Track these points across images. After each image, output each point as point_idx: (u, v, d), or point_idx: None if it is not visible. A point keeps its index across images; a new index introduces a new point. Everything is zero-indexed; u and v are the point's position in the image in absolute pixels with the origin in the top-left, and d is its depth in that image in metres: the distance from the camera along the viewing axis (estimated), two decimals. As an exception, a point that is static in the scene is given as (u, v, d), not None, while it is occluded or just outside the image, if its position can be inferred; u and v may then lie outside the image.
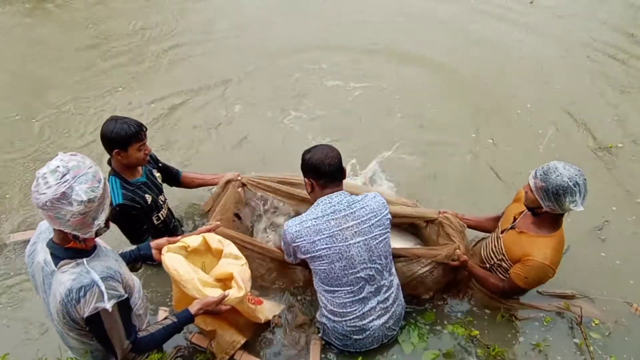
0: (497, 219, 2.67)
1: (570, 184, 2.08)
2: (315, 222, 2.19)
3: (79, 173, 1.53)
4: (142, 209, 2.51)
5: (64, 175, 1.51)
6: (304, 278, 2.70)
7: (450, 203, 3.19)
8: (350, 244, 2.17)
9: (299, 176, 2.63)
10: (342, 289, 2.23)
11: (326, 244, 2.17)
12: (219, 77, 4.70)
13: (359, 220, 2.20)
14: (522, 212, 2.43)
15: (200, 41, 5.28)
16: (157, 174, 2.74)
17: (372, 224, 2.21)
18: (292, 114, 4.25)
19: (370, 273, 2.22)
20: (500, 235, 2.50)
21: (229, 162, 3.67)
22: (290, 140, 3.96)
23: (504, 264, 2.45)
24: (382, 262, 2.25)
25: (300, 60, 4.94)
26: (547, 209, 2.18)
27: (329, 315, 2.31)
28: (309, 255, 2.21)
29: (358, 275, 2.20)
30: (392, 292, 2.32)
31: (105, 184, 1.63)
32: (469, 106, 4.38)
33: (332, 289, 2.25)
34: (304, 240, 2.18)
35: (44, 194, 1.49)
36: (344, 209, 2.19)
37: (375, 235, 2.22)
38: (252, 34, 5.40)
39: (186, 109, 4.32)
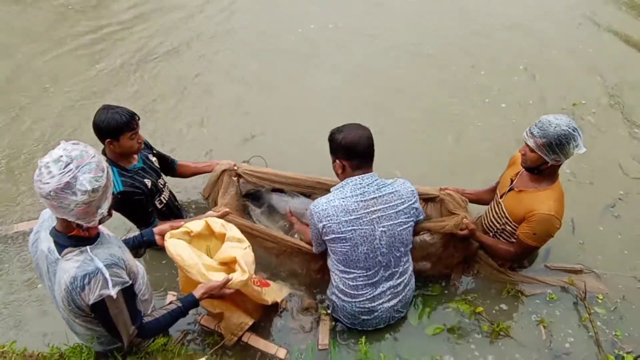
0: (494, 190, 2.69)
1: (570, 130, 2.12)
2: (343, 201, 2.13)
3: (83, 162, 1.51)
4: (144, 194, 2.51)
5: (67, 165, 1.49)
6: (305, 270, 2.67)
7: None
8: (375, 227, 2.15)
9: (294, 173, 2.75)
10: (358, 271, 2.23)
11: (352, 226, 2.13)
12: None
13: (386, 205, 2.15)
14: (518, 172, 2.43)
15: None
16: (154, 159, 2.73)
17: (399, 211, 2.18)
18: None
19: (389, 259, 2.22)
20: (500, 200, 2.50)
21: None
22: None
23: (508, 227, 2.46)
24: (401, 250, 2.24)
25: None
26: (552, 162, 2.20)
27: (340, 295, 2.33)
28: (332, 235, 2.17)
29: (377, 259, 2.20)
30: (405, 278, 2.33)
31: (108, 172, 1.61)
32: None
33: (348, 269, 2.25)
34: (331, 220, 2.14)
35: (47, 183, 1.47)
36: (373, 192, 2.14)
37: (400, 222, 2.19)
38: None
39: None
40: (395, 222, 2.17)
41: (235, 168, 2.82)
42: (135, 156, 2.56)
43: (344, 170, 2.20)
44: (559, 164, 2.24)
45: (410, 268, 2.37)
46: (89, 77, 4.46)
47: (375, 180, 2.17)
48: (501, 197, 2.51)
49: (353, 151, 2.13)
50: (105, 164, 1.60)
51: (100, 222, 1.67)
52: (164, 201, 2.73)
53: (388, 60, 4.62)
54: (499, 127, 3.84)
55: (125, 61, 4.66)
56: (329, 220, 2.14)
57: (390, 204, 2.16)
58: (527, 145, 2.22)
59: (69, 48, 4.85)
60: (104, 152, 2.46)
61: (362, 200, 2.13)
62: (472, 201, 2.74)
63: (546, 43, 4.82)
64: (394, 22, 5.18)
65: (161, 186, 2.71)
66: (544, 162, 2.21)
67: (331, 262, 2.33)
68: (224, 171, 2.79)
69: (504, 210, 2.45)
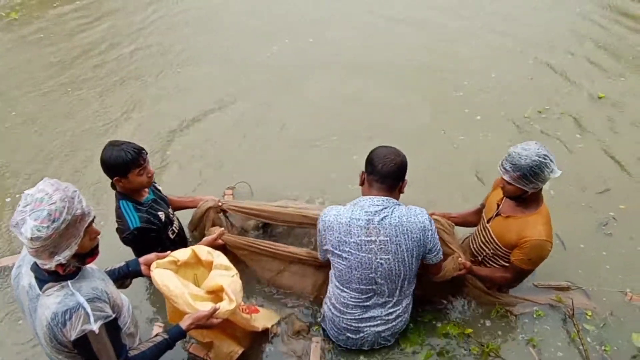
0: (479, 212, 2.69)
1: (540, 158, 2.13)
2: (349, 221, 2.10)
3: (36, 208, 1.47)
4: (158, 230, 2.42)
5: (26, 205, 1.49)
6: (312, 285, 2.65)
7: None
8: (373, 258, 2.11)
9: (279, 207, 2.75)
10: (352, 292, 2.23)
11: (351, 249, 2.12)
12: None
13: (388, 238, 2.09)
14: (503, 197, 2.44)
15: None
16: (160, 187, 2.67)
17: (401, 246, 2.10)
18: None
19: (383, 288, 2.20)
20: (487, 225, 2.51)
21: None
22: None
23: (499, 252, 2.46)
24: (397, 283, 2.20)
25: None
26: (532, 190, 2.22)
27: (331, 307, 2.34)
28: (331, 248, 2.18)
29: (371, 287, 2.19)
30: (399, 309, 2.29)
31: (67, 222, 1.50)
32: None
33: (342, 287, 2.25)
34: (333, 235, 2.14)
35: (13, 216, 1.50)
36: (378, 221, 2.08)
37: (399, 258, 2.12)
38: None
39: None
40: (395, 257, 2.11)
41: (220, 204, 2.78)
42: (146, 188, 2.47)
43: (363, 182, 2.21)
44: (538, 190, 2.26)
45: (406, 302, 2.32)
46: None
47: (386, 207, 2.09)
48: (488, 221, 2.51)
49: (373, 165, 2.12)
50: (65, 215, 1.49)
51: (85, 263, 1.67)
52: (176, 231, 2.63)
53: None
54: (477, 142, 3.92)
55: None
56: (330, 234, 2.15)
57: (393, 238, 2.08)
58: (504, 179, 2.24)
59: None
60: (113, 187, 2.38)
61: (365, 227, 2.09)
62: (457, 224, 2.75)
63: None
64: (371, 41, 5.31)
65: (172, 216, 2.63)
66: (524, 191, 2.23)
67: (331, 274, 2.33)
68: (209, 208, 2.75)
69: (492, 236, 2.46)
